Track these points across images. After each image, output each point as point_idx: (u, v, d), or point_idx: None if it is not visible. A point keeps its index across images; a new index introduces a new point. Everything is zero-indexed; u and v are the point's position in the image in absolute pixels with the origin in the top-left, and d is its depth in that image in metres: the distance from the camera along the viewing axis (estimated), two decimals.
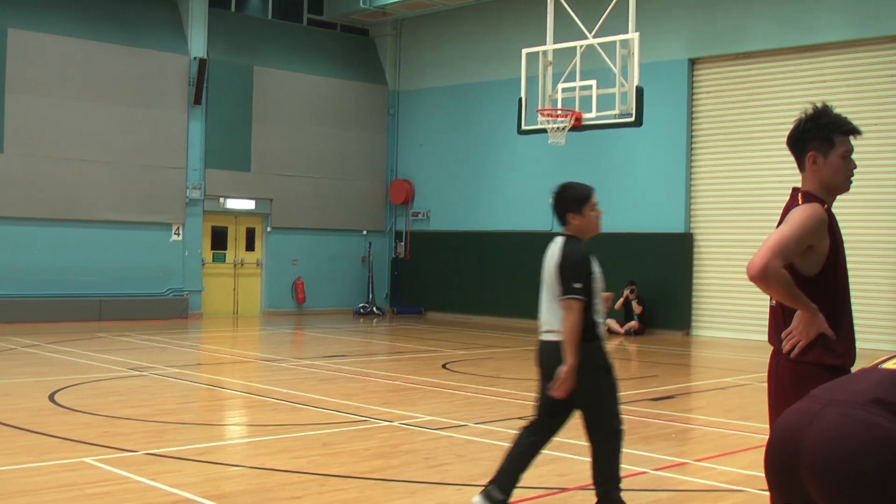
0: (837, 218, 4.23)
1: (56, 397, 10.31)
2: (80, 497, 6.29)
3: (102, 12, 21.44)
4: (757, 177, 19.16)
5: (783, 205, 4.26)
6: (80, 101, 20.76)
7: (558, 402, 5.74)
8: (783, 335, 4.13)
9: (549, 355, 5.78)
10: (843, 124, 4.19)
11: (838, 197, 4.28)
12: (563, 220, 5.92)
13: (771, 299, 4.22)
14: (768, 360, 4.25)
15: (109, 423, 8.93)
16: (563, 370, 5.58)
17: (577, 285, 5.62)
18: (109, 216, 21.09)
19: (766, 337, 4.35)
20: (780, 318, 4.20)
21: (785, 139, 4.35)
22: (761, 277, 3.92)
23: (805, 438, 2.75)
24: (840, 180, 4.21)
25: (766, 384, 4.26)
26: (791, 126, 4.31)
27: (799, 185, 4.30)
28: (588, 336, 5.69)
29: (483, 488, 5.86)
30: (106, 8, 21.56)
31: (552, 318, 5.79)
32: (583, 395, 5.70)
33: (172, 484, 6.63)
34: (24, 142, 20.01)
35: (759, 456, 7.96)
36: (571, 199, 5.89)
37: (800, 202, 4.13)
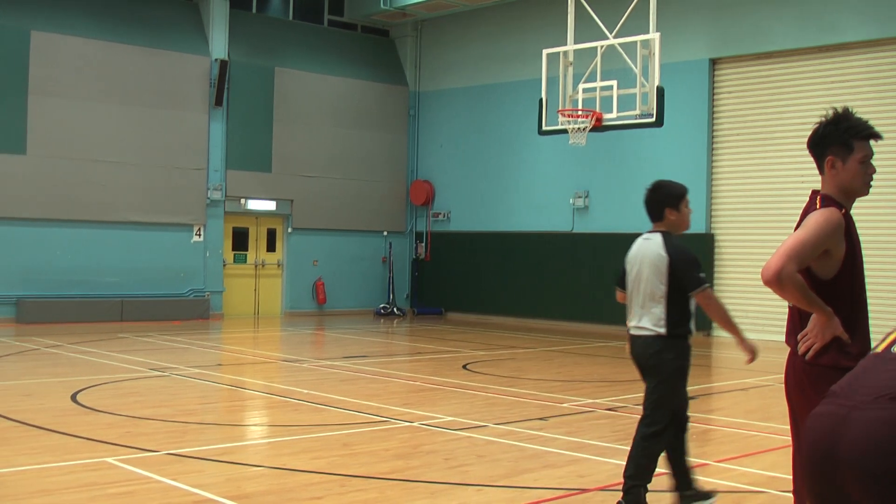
0: (856, 219, 4.22)
1: (78, 397, 10.39)
2: (102, 497, 6.33)
3: (124, 14, 21.57)
4: (778, 177, 19.06)
5: (804, 206, 4.26)
6: (102, 102, 20.89)
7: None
8: (799, 337, 4.13)
9: (642, 348, 6.00)
10: (862, 129, 4.17)
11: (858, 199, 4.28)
12: (658, 216, 6.09)
13: None
14: (785, 361, 4.24)
15: (131, 424, 8.99)
16: (745, 348, 5.87)
17: (703, 275, 5.91)
18: (131, 217, 21.21)
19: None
20: (797, 320, 4.20)
21: (806, 140, 4.35)
22: (775, 282, 3.92)
23: (839, 445, 2.76)
24: (858, 185, 4.20)
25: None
26: (812, 127, 4.31)
27: (820, 186, 4.29)
28: (684, 331, 5.97)
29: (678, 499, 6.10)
30: (128, 10, 21.68)
31: (646, 313, 5.98)
32: (660, 384, 5.93)
33: (194, 484, 6.66)
34: (47, 143, 20.14)
35: (781, 457, 7.88)
36: (669, 196, 6.08)
37: (818, 206, 4.13)
